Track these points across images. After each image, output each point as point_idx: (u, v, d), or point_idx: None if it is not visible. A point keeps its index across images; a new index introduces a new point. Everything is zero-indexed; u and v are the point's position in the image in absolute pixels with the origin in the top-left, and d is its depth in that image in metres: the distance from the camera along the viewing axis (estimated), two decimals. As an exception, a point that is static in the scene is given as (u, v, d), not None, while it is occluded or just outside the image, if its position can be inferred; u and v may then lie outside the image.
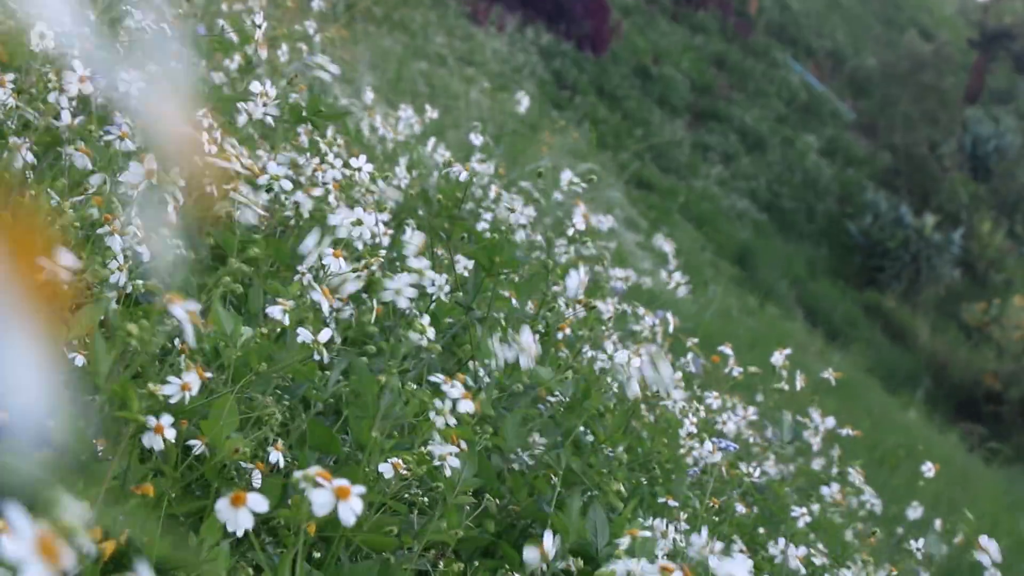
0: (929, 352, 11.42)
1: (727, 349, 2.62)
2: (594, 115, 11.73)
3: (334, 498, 0.81)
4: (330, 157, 1.89)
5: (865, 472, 2.65)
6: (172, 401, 1.14)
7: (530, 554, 1.27)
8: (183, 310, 0.96)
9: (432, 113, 3.66)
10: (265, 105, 1.74)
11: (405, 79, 7.67)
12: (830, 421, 2.68)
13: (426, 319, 1.45)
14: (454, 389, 1.38)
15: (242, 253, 1.42)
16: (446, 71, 9.15)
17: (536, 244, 2.48)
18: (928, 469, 1.97)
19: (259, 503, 0.88)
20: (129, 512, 1.18)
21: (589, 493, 1.66)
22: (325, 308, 1.30)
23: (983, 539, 1.70)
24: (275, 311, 1.32)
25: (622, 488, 1.60)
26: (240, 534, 0.97)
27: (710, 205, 11.81)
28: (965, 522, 1.84)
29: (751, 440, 2.82)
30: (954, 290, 12.85)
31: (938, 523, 2.53)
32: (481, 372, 1.66)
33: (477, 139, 2.57)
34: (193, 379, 1.15)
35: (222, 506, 0.89)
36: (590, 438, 1.80)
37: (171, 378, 1.14)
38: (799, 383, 2.58)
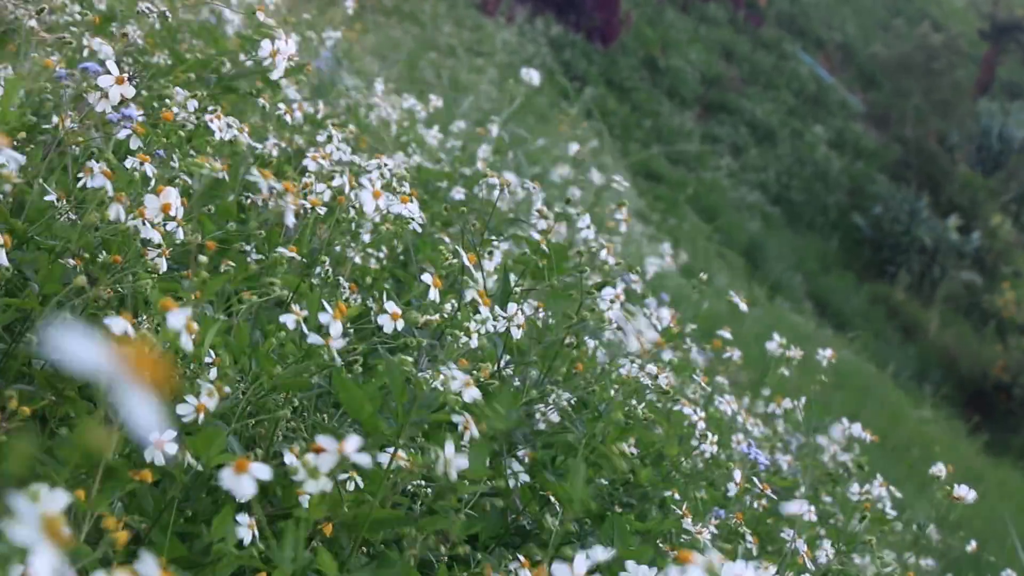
0: (939, 345, 11.38)
1: (726, 333, 2.61)
2: (603, 107, 11.71)
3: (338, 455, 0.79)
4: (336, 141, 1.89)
5: (868, 461, 2.63)
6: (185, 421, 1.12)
7: (560, 570, 1.25)
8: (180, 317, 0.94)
9: (437, 102, 3.66)
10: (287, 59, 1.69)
11: (416, 68, 7.67)
12: (856, 427, 2.60)
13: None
14: (455, 379, 1.22)
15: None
16: (455, 61, 9.14)
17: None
18: (964, 490, 1.92)
19: (262, 471, 0.88)
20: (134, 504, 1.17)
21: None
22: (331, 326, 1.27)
23: (959, 488, 1.71)
24: (288, 320, 1.31)
25: (626, 448, 1.57)
26: (243, 500, 0.95)
27: (719, 197, 11.78)
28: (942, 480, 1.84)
29: (759, 432, 2.81)
30: (966, 284, 12.80)
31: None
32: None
33: (494, 131, 2.59)
34: (210, 402, 1.13)
35: (226, 474, 0.88)
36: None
37: (188, 397, 1.12)
38: (795, 354, 2.57)
